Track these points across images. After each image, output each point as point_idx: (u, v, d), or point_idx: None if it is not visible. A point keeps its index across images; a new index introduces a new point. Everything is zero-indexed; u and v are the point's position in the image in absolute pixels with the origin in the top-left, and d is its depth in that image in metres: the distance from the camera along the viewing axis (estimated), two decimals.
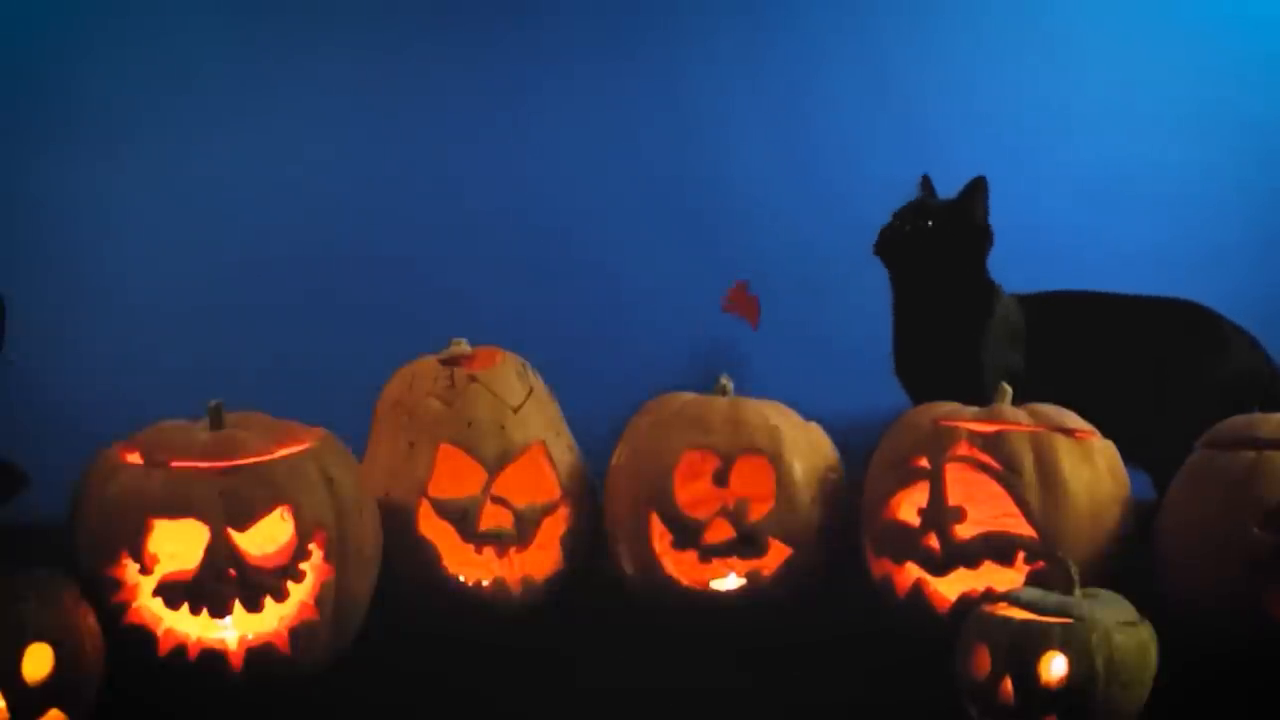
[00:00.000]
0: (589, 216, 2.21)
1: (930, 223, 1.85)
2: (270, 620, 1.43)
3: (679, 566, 1.62)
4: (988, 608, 1.35)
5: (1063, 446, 1.52)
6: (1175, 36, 2.23)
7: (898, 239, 1.87)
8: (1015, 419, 1.56)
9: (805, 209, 2.20)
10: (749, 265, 2.19)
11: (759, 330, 2.10)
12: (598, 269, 2.21)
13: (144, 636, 1.41)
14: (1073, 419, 1.56)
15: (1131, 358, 1.86)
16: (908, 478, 1.57)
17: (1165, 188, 2.22)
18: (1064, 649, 1.27)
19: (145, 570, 1.40)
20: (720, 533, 1.60)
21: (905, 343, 1.89)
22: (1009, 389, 1.61)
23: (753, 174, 2.21)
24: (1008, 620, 1.31)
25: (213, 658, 1.41)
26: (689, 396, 1.71)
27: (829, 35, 2.21)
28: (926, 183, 1.92)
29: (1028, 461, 1.51)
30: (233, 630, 1.42)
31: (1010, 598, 1.34)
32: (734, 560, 1.61)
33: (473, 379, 1.66)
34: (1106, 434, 1.58)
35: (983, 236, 1.87)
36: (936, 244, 1.85)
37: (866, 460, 1.65)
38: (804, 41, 2.21)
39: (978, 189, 1.85)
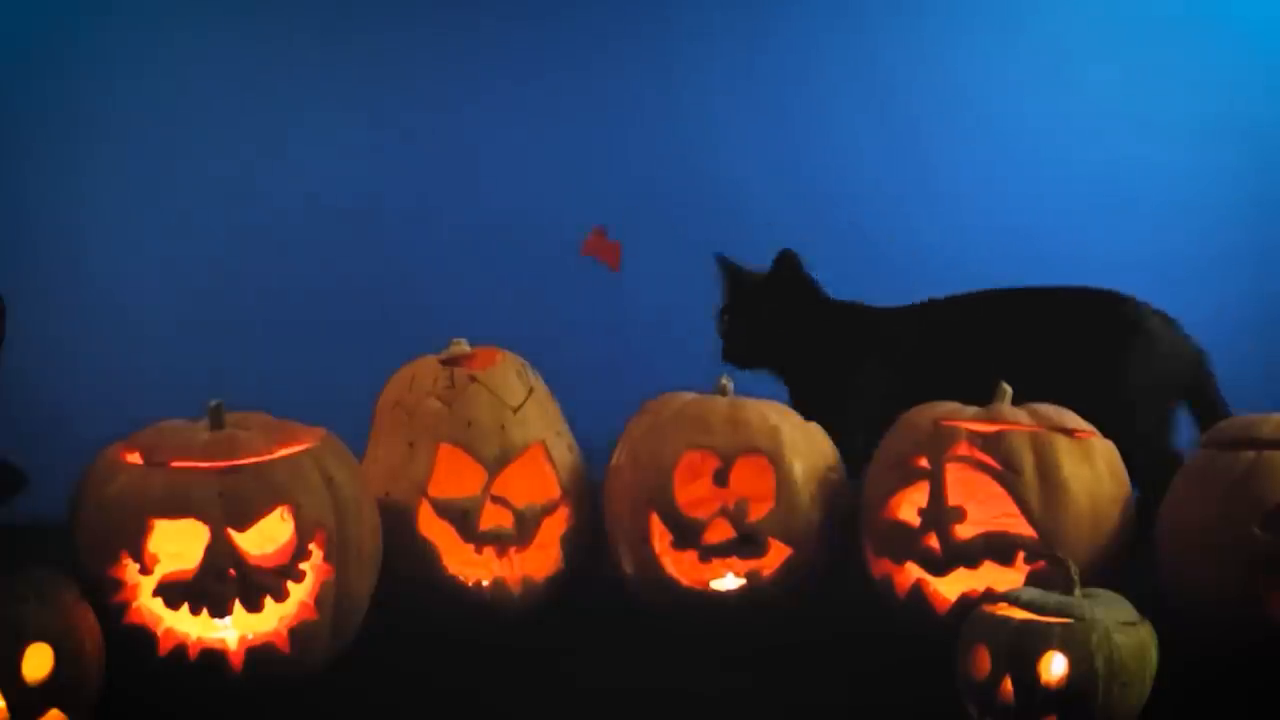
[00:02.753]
0: (589, 217, 2.21)
1: (728, 316, 1.89)
2: (270, 620, 1.43)
3: (679, 566, 1.62)
4: (988, 608, 1.35)
5: (1063, 446, 1.52)
6: (1176, 41, 2.23)
7: (730, 341, 1.90)
8: (1015, 419, 1.55)
9: (802, 209, 2.20)
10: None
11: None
12: (598, 269, 2.21)
13: (144, 636, 1.41)
14: (1073, 419, 1.56)
15: (1041, 352, 1.80)
16: (908, 478, 1.57)
17: (1165, 191, 2.22)
18: (1064, 649, 1.27)
19: (145, 570, 1.40)
20: (720, 533, 1.60)
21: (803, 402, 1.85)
22: (1009, 389, 1.60)
23: (749, 174, 2.22)
24: (1008, 620, 1.31)
25: (213, 658, 1.41)
26: (689, 396, 1.70)
27: (822, 36, 2.22)
28: (723, 263, 1.93)
29: (1028, 461, 1.51)
30: (233, 630, 1.42)
31: (1010, 598, 1.34)
32: (734, 560, 1.61)
33: (473, 379, 1.65)
34: None
35: (796, 287, 1.88)
36: (755, 322, 1.88)
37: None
38: (797, 45, 2.22)
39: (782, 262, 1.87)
